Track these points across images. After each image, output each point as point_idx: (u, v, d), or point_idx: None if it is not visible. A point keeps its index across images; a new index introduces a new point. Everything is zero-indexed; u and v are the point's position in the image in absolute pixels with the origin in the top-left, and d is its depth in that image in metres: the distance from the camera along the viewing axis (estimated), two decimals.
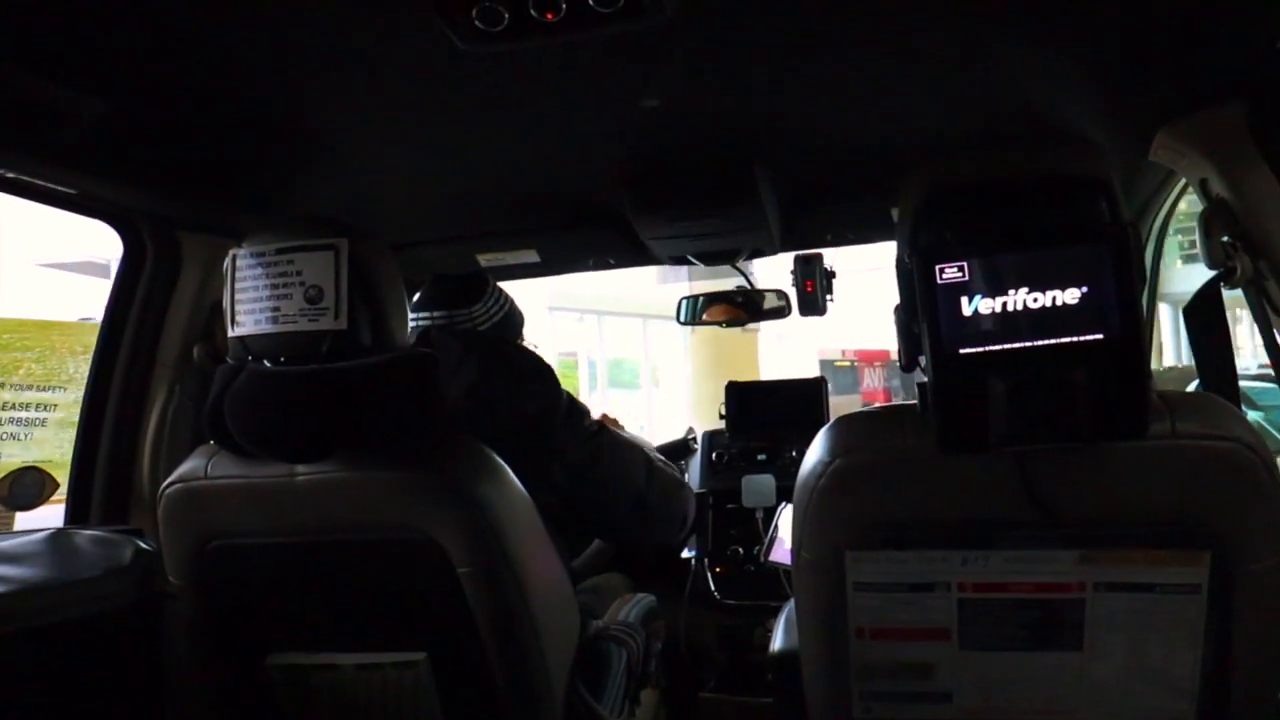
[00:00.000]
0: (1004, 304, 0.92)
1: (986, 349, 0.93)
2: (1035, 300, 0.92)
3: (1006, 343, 0.93)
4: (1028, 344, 0.92)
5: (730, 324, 2.52)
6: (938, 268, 0.94)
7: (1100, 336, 0.91)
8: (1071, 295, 0.91)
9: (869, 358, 15.75)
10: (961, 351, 0.94)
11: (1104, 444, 0.95)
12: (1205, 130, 1.29)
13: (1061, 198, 0.93)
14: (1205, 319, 1.30)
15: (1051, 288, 0.91)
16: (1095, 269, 0.91)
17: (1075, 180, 0.94)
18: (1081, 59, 1.26)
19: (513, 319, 1.71)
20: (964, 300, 0.93)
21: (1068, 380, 0.91)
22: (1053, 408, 0.92)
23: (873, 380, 15.81)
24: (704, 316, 2.48)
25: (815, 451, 1.07)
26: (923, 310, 0.95)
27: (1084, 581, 1.01)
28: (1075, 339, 0.91)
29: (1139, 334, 0.91)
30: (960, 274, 0.93)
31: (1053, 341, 0.92)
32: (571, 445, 1.56)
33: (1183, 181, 1.51)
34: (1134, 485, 0.98)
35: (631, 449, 1.70)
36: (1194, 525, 0.97)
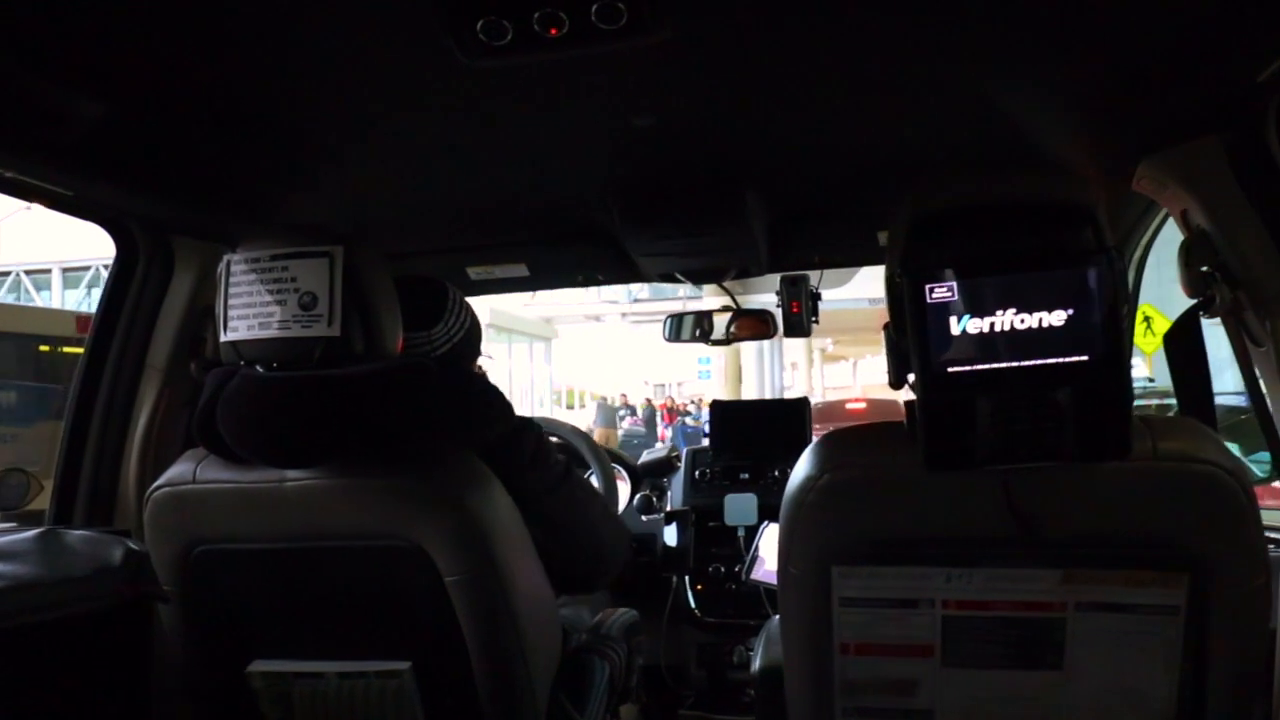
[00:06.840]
0: (991, 324, 0.94)
1: (974, 368, 0.95)
2: (1022, 321, 0.93)
3: (993, 362, 0.94)
4: (1014, 364, 0.94)
5: (714, 343, 2.53)
6: (927, 287, 0.95)
7: (1085, 358, 0.93)
8: (1058, 317, 0.93)
9: None
10: (950, 370, 0.95)
11: (1087, 464, 0.97)
12: (1186, 162, 1.32)
13: (1049, 223, 0.95)
14: (1185, 346, 1.33)
15: (1038, 309, 0.93)
16: (1081, 292, 0.92)
17: (1063, 206, 0.96)
18: (1066, 92, 1.29)
19: (471, 337, 1.57)
20: (953, 320, 0.95)
21: (1052, 400, 0.93)
22: (1037, 427, 0.94)
23: None
24: (684, 335, 2.50)
25: (803, 467, 1.07)
26: (912, 329, 0.96)
27: (1066, 601, 1.02)
28: (1060, 360, 0.93)
29: (1122, 356, 0.93)
30: (949, 294, 0.95)
31: (1039, 362, 0.93)
32: (544, 491, 1.45)
33: (1164, 211, 1.55)
34: (1115, 506, 1.00)
35: (593, 497, 1.62)
36: (1173, 547, 0.98)
